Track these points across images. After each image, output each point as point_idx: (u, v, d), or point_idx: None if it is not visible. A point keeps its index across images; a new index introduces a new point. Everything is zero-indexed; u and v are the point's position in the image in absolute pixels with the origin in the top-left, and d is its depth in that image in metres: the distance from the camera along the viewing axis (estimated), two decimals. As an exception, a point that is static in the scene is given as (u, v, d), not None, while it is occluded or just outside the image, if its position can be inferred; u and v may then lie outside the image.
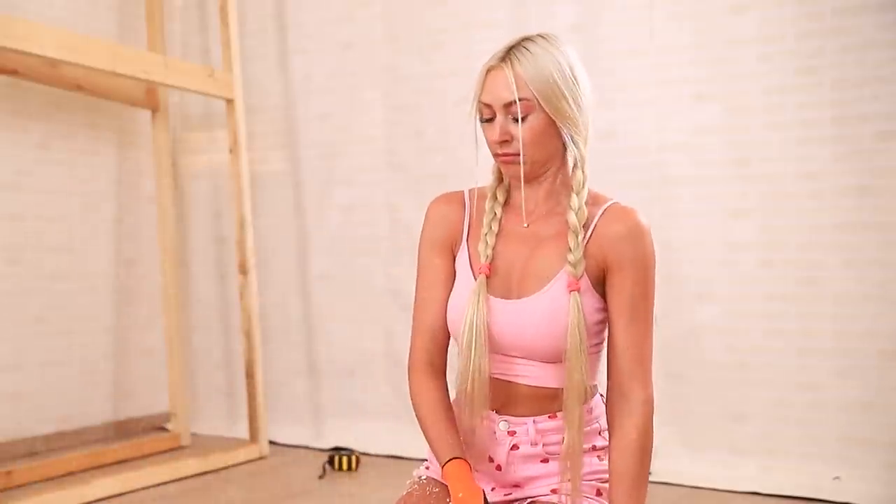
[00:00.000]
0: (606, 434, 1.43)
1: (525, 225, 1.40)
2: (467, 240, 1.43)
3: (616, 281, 1.35)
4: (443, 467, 1.33)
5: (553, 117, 1.32)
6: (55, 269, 3.87)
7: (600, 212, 1.37)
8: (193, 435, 4.09)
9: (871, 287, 2.97)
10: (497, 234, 1.41)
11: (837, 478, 2.99)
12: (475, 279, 1.39)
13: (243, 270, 3.82)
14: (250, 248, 3.83)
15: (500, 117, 1.34)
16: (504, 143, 1.34)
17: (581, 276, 1.34)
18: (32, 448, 3.72)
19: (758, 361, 3.15)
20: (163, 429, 4.21)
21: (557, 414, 1.38)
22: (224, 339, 4.31)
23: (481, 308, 1.35)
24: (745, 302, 3.17)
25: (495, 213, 1.41)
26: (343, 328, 3.98)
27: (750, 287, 3.16)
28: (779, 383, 3.11)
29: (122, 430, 4.12)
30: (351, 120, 3.95)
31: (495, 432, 1.40)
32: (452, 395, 1.44)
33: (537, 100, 1.31)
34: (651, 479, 3.21)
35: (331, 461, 3.53)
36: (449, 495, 1.43)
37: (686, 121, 3.24)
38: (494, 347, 1.38)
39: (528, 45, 1.34)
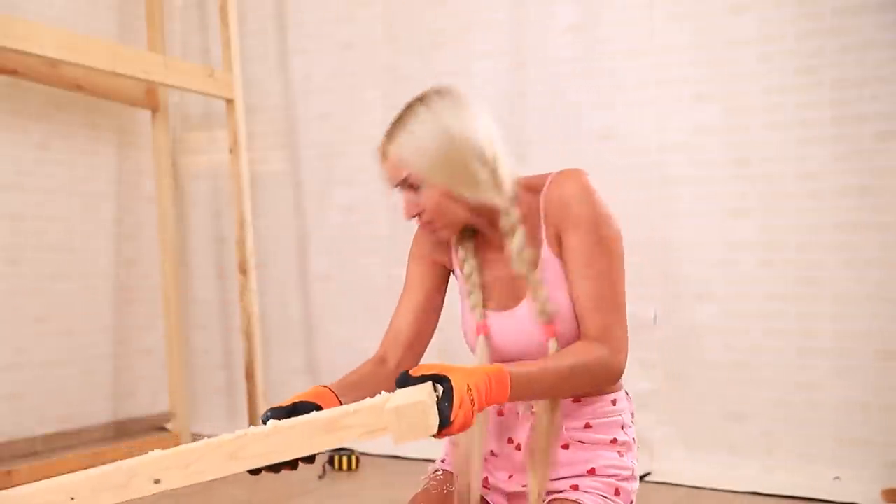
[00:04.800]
0: (630, 431, 1.43)
1: (499, 254, 1.41)
2: (457, 274, 1.46)
3: (567, 243, 1.33)
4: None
5: (446, 187, 1.31)
6: (55, 269, 3.87)
7: (545, 188, 1.36)
8: (193, 435, 4.09)
9: (871, 287, 2.97)
10: (483, 267, 1.43)
11: (837, 478, 2.99)
12: (471, 304, 1.42)
13: (243, 270, 3.82)
14: (250, 248, 3.83)
15: (403, 195, 1.35)
16: (416, 216, 1.35)
17: (552, 321, 1.33)
18: (32, 448, 3.72)
19: (757, 361, 3.15)
20: (163, 429, 4.21)
21: (582, 399, 1.38)
22: (224, 339, 4.31)
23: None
24: (744, 302, 3.17)
25: (473, 268, 1.42)
26: (343, 328, 3.98)
27: (749, 287, 3.16)
28: (779, 383, 3.11)
29: (122, 430, 4.12)
30: (351, 120, 3.95)
31: (518, 412, 1.40)
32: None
33: (424, 178, 1.31)
34: (651, 479, 3.21)
35: (331, 461, 3.53)
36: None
37: (686, 121, 3.24)
38: (508, 357, 1.39)
39: (408, 117, 1.32)
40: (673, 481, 3.18)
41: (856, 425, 2.99)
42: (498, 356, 1.40)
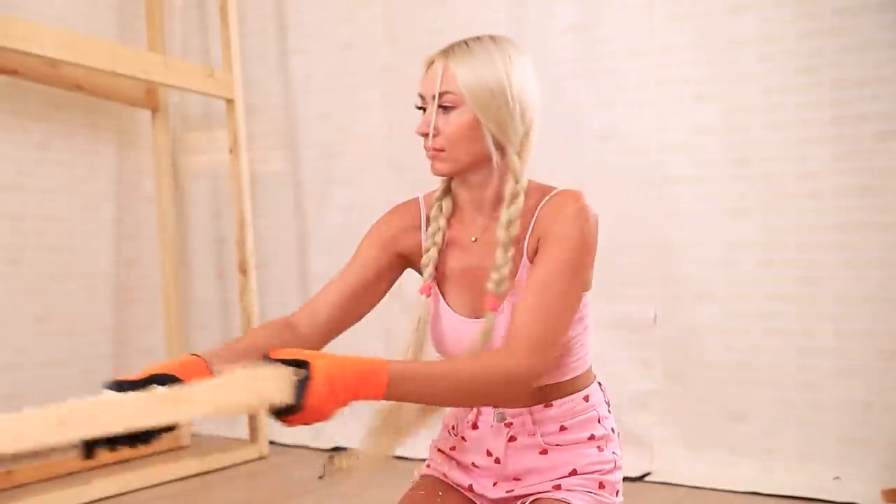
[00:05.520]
0: (607, 422, 1.43)
1: (473, 239, 1.38)
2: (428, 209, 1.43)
3: (542, 253, 1.30)
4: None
5: (479, 118, 1.30)
6: (55, 269, 3.86)
7: (545, 200, 1.33)
8: (193, 435, 4.09)
9: (871, 287, 2.97)
10: (450, 252, 1.39)
11: (837, 478, 2.99)
12: (442, 296, 1.40)
13: (243, 270, 3.82)
14: (250, 248, 3.83)
15: (429, 109, 1.33)
16: (427, 135, 1.33)
17: (504, 297, 1.30)
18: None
19: (758, 361, 3.15)
20: (163, 429, 4.20)
21: (553, 403, 1.38)
22: (224, 339, 4.31)
23: (421, 331, 1.35)
24: (744, 302, 3.17)
25: (439, 227, 1.39)
26: (343, 328, 3.97)
27: (750, 287, 3.16)
28: (779, 383, 3.11)
29: (122, 430, 4.12)
30: (351, 120, 3.95)
31: (491, 425, 1.40)
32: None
33: (466, 97, 1.29)
34: (651, 479, 3.21)
35: (331, 461, 3.52)
36: (454, 496, 1.44)
37: (686, 121, 3.24)
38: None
39: (472, 42, 1.32)
40: (673, 481, 3.18)
41: (856, 425, 2.99)
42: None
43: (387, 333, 3.81)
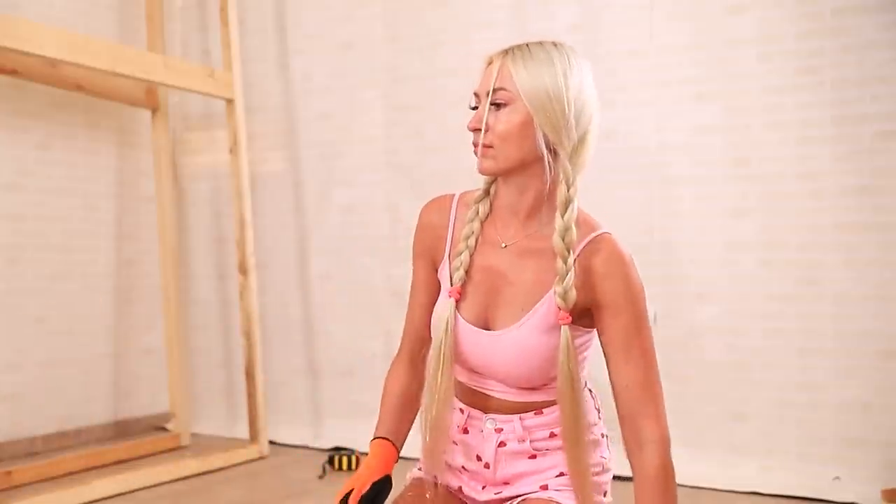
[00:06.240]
0: (596, 428, 1.43)
1: (503, 245, 1.36)
2: (449, 254, 1.40)
3: (607, 319, 1.30)
4: (371, 441, 1.44)
5: (532, 116, 1.28)
6: (55, 269, 3.87)
7: (586, 240, 1.31)
8: (193, 435, 4.09)
9: (871, 287, 2.97)
10: (477, 251, 1.38)
11: (837, 478, 2.99)
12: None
13: (243, 270, 3.82)
14: (250, 248, 3.83)
15: (481, 105, 1.31)
16: (477, 131, 1.31)
17: (571, 307, 1.29)
18: (32, 448, 3.72)
19: (758, 361, 3.15)
20: (163, 429, 4.21)
21: (544, 410, 1.38)
22: (224, 339, 4.31)
23: (449, 333, 1.35)
24: (745, 302, 3.17)
25: (473, 231, 1.37)
26: (343, 328, 3.98)
27: (750, 287, 3.16)
28: (779, 383, 3.12)
29: (122, 430, 4.13)
30: (351, 120, 3.95)
31: (482, 430, 1.40)
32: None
33: (521, 95, 1.28)
34: (651, 479, 3.21)
35: (331, 461, 3.53)
36: (448, 496, 1.44)
37: (686, 121, 3.24)
38: (468, 367, 1.39)
39: (533, 45, 1.31)
40: (673, 481, 3.18)
41: (856, 425, 2.99)
42: (469, 364, 1.38)
43: (387, 334, 3.81)
